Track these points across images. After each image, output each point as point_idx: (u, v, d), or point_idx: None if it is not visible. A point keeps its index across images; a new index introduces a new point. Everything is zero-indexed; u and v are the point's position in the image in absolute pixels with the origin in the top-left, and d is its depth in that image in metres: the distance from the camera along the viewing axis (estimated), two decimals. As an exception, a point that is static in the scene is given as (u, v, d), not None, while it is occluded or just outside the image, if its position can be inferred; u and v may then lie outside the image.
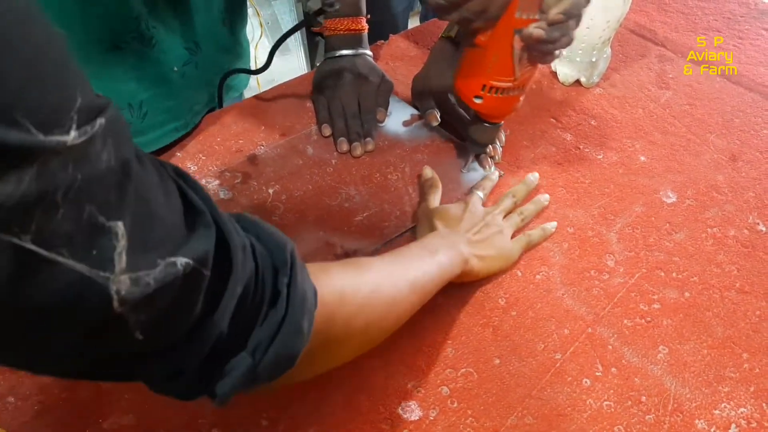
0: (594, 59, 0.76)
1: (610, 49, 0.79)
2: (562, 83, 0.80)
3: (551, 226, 0.60)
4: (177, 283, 0.24)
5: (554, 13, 0.48)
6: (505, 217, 0.59)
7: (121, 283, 0.22)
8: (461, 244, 0.52)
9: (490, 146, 0.66)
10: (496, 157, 0.67)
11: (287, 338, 0.30)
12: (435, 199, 0.60)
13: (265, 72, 0.71)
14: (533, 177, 0.64)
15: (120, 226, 0.22)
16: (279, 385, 0.33)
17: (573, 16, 0.49)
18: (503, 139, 0.69)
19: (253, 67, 0.74)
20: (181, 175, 0.28)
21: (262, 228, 0.33)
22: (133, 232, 0.22)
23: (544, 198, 0.62)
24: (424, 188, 0.62)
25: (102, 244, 0.21)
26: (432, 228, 0.55)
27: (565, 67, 0.79)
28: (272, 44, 0.69)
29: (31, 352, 0.23)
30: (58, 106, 0.19)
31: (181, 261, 0.24)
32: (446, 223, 0.55)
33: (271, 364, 0.30)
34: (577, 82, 0.80)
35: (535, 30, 0.49)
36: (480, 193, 0.61)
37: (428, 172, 0.63)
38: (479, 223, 0.56)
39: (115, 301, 0.22)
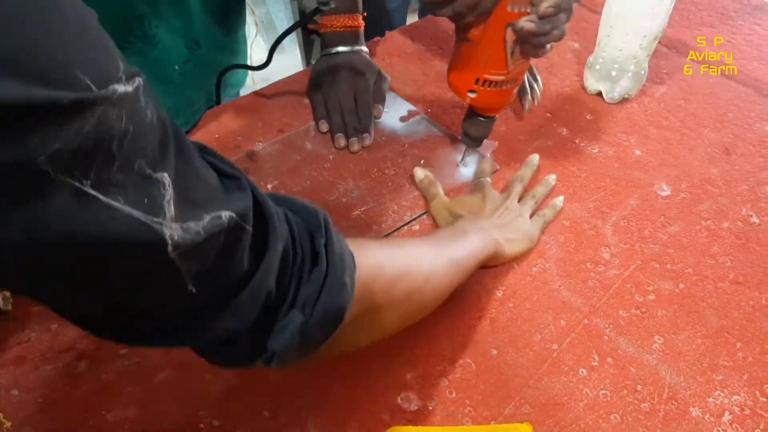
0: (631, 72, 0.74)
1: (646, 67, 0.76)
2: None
3: (559, 201, 0.62)
4: (222, 235, 0.25)
5: (545, 6, 0.48)
6: (519, 201, 0.61)
7: (173, 229, 0.23)
8: (491, 228, 0.54)
9: (534, 85, 0.69)
10: (536, 100, 0.71)
11: (333, 292, 0.32)
12: (441, 192, 0.62)
13: (262, 70, 0.71)
14: (535, 159, 0.66)
15: (166, 177, 0.23)
16: (327, 355, 0.34)
17: (563, 9, 0.49)
18: (539, 79, 0.72)
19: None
20: (203, 150, 0.30)
21: (293, 201, 0.35)
22: (177, 185, 0.24)
23: (551, 179, 0.64)
24: (424, 187, 0.63)
25: (152, 193, 0.23)
26: (454, 217, 0.57)
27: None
28: (267, 42, 0.70)
29: (83, 292, 0.24)
30: (107, 65, 0.21)
31: (225, 214, 0.26)
32: (469, 211, 0.58)
33: (320, 320, 0.31)
34: (600, 94, 0.77)
35: (527, 23, 0.49)
36: (488, 179, 0.63)
37: (420, 173, 0.64)
38: (500, 207, 0.58)
39: (170, 245, 0.23)
